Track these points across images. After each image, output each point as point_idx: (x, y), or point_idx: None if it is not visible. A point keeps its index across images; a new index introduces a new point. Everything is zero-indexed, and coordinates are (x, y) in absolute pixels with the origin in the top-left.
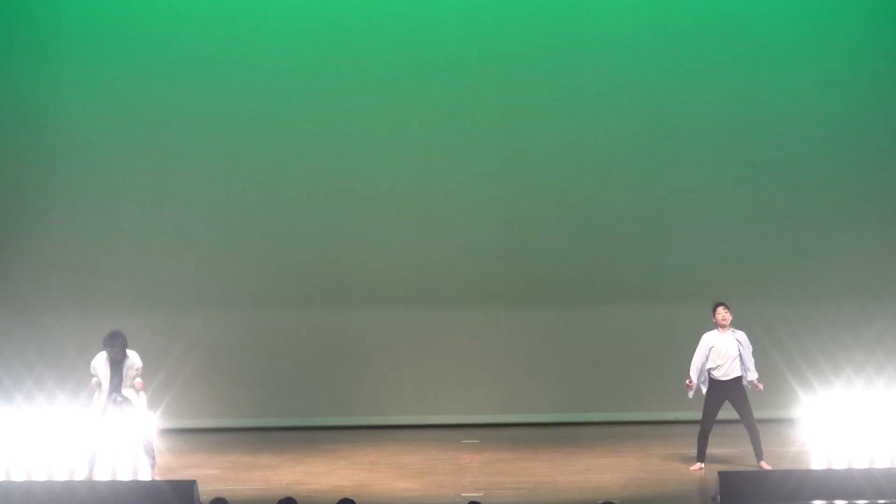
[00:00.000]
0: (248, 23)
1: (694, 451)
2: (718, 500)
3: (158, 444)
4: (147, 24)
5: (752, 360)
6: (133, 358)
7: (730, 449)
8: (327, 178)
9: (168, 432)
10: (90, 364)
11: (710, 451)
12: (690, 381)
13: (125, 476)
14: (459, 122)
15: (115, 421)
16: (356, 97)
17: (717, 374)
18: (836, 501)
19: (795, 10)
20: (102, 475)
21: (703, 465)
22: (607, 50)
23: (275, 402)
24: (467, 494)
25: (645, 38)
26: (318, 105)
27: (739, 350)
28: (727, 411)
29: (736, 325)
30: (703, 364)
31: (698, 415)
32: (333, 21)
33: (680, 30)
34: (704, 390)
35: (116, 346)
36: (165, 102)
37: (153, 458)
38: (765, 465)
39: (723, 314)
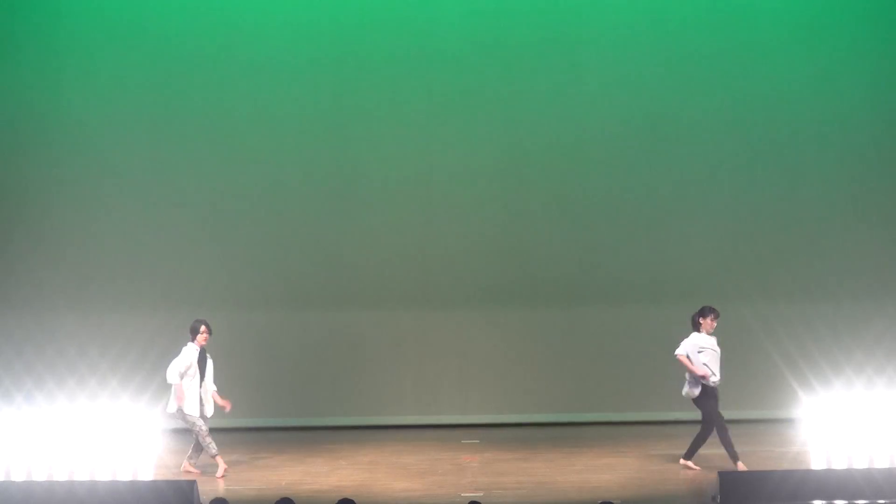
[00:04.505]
0: (248, 21)
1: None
2: (718, 501)
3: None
4: (146, 23)
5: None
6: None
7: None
8: (327, 178)
9: (168, 432)
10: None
11: (709, 451)
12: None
13: (125, 476)
14: (459, 122)
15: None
16: (356, 96)
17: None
18: (836, 501)
19: (795, 9)
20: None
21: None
22: (607, 48)
23: (274, 402)
24: (467, 494)
25: (645, 37)
26: (318, 104)
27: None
28: (726, 410)
29: (736, 325)
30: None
31: (697, 415)
32: (331, 18)
33: (679, 28)
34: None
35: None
36: (165, 101)
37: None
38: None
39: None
